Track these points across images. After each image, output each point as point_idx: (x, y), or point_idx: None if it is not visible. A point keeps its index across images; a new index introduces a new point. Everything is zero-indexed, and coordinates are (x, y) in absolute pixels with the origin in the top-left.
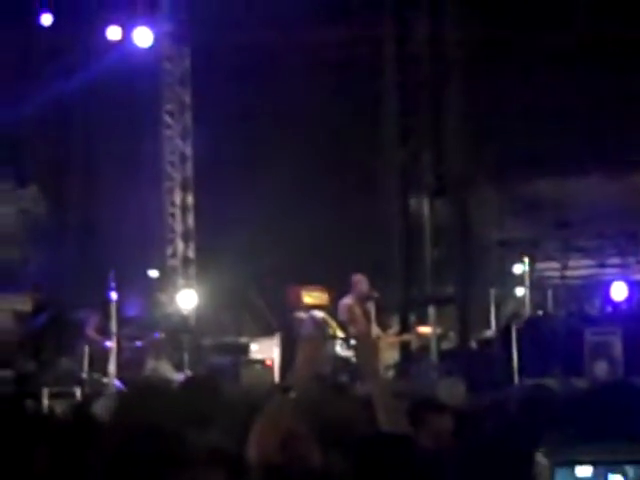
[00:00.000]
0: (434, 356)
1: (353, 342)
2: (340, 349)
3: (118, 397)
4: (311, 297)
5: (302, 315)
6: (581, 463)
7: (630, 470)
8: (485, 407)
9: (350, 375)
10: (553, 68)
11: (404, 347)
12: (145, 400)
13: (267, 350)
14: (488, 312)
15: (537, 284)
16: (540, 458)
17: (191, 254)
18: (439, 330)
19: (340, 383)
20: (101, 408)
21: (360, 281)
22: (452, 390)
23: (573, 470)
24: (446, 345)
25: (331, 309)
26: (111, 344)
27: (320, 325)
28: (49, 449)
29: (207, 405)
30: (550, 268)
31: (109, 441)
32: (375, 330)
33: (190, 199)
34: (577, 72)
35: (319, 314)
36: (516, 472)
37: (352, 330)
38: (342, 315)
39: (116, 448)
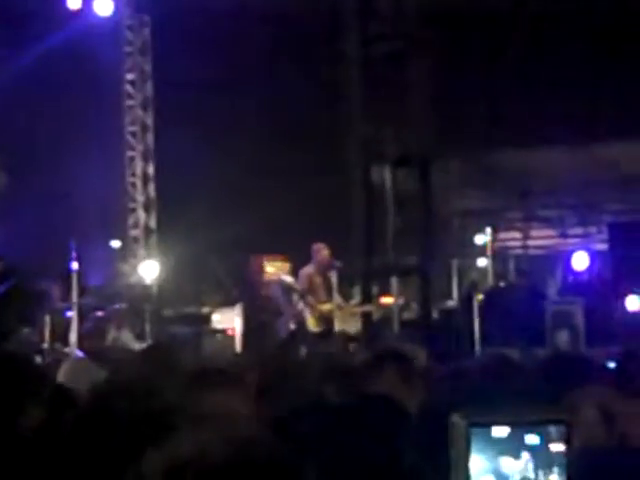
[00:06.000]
0: (396, 326)
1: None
2: None
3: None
4: (274, 266)
5: (271, 279)
6: (497, 424)
7: (553, 430)
8: (447, 374)
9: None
10: (517, 40)
11: (366, 317)
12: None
13: (229, 320)
14: (450, 282)
15: (499, 254)
16: (456, 419)
17: (152, 224)
18: (401, 300)
19: None
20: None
21: (321, 250)
22: (412, 355)
23: (489, 431)
24: (408, 315)
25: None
26: (72, 314)
27: (290, 288)
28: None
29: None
30: (512, 238)
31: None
32: (337, 300)
33: (151, 169)
34: (542, 43)
35: (288, 278)
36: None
37: (311, 300)
38: (302, 284)
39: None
